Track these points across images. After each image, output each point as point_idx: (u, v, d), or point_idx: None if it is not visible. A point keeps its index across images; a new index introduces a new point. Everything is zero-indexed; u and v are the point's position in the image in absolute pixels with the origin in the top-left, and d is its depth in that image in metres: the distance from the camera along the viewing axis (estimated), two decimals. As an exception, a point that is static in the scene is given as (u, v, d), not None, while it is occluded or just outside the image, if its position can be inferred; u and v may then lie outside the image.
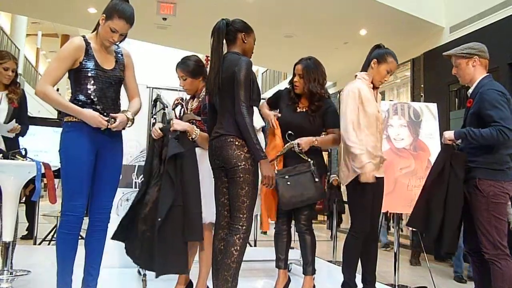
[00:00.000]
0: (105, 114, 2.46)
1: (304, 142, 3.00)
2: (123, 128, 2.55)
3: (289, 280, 3.26)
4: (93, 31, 2.55)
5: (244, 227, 2.49)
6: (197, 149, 2.85)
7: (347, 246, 3.07)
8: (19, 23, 15.27)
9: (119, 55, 2.62)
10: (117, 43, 2.55)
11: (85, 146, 2.42)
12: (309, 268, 3.15)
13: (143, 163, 3.53)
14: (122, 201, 3.91)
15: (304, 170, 2.97)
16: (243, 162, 2.48)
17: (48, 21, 13.44)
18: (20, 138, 3.50)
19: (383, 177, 3.12)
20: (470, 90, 2.88)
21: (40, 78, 2.42)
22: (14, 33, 14.72)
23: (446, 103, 6.69)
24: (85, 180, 2.43)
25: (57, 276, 2.41)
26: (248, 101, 2.47)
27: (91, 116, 2.40)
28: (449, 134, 2.83)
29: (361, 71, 3.10)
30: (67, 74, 2.47)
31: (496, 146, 2.72)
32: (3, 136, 3.33)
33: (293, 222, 3.24)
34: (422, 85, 7.29)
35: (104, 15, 2.45)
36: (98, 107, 2.46)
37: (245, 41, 2.65)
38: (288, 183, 2.91)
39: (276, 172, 2.88)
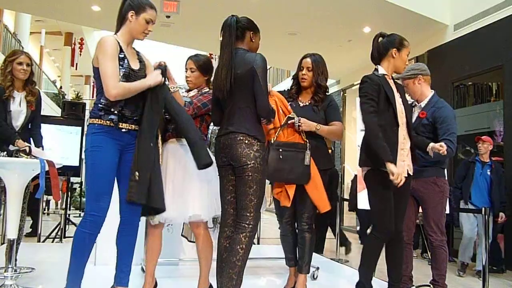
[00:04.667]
0: (132, 116, 2.51)
1: (305, 122, 2.98)
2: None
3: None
4: (116, 33, 2.56)
5: (250, 226, 2.50)
6: (183, 147, 2.80)
7: (367, 246, 2.98)
8: (23, 21, 15.29)
9: (140, 56, 2.64)
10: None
11: (112, 147, 2.45)
12: (305, 266, 3.15)
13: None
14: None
15: (300, 149, 2.95)
16: (252, 161, 2.49)
17: (51, 19, 13.46)
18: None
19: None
20: (423, 104, 3.34)
21: (108, 83, 2.36)
22: (18, 31, 14.75)
23: (450, 101, 6.66)
24: (111, 181, 2.46)
25: (68, 273, 2.41)
26: (267, 96, 2.59)
27: (154, 75, 2.54)
28: (444, 150, 2.99)
29: (377, 64, 2.98)
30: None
31: None
32: (20, 135, 3.36)
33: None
34: (426, 83, 7.26)
35: (133, 11, 2.49)
36: (124, 110, 2.48)
37: (253, 40, 2.67)
38: (280, 156, 2.88)
39: (272, 142, 2.88)
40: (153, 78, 2.52)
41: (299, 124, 2.96)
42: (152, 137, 2.53)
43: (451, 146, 3.08)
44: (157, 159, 2.59)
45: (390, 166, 2.67)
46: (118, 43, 2.48)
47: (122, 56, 2.47)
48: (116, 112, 2.46)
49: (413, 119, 3.29)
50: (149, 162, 2.49)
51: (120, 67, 2.44)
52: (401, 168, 2.73)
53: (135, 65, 2.55)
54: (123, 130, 2.49)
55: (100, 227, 2.44)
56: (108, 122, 2.44)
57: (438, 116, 3.22)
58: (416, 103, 3.40)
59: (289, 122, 2.95)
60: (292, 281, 3.27)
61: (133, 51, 2.61)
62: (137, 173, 2.42)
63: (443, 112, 3.25)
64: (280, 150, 2.89)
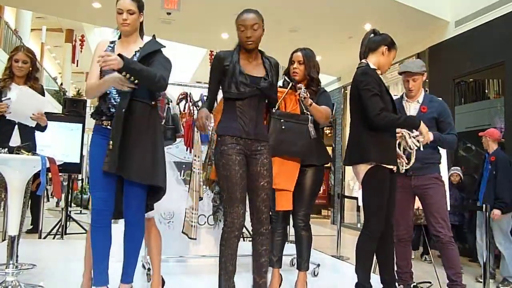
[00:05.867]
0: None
1: (307, 95, 2.85)
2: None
3: (281, 279, 3.23)
4: None
5: (225, 222, 2.51)
6: None
7: (362, 246, 2.85)
8: (24, 18, 15.28)
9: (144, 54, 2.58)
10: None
11: (101, 143, 2.49)
12: (304, 264, 3.12)
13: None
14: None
15: (302, 121, 2.89)
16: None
17: (52, 16, 13.44)
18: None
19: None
20: (420, 100, 3.40)
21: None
22: (19, 28, 14.74)
23: (451, 97, 6.65)
24: (102, 175, 2.46)
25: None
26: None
27: (112, 79, 2.40)
28: (429, 137, 3.04)
29: (364, 59, 2.95)
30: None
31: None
32: (19, 130, 3.34)
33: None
34: (427, 80, 7.24)
35: None
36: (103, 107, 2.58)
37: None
38: (283, 127, 2.81)
39: (273, 111, 2.79)
40: (113, 80, 2.42)
41: (305, 94, 2.80)
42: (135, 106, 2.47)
43: (456, 138, 3.37)
44: (154, 129, 2.55)
45: (422, 128, 2.81)
46: (114, 42, 2.61)
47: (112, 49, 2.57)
48: (98, 110, 2.58)
49: (410, 114, 3.33)
50: (117, 131, 2.40)
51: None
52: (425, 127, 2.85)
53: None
54: (104, 126, 2.55)
55: (100, 218, 2.49)
56: (97, 121, 2.58)
57: (443, 111, 3.35)
58: (407, 98, 3.41)
59: (297, 86, 2.85)
60: (276, 284, 3.14)
61: (133, 47, 2.60)
62: (110, 142, 2.40)
63: (445, 106, 3.42)
64: (282, 120, 2.81)
